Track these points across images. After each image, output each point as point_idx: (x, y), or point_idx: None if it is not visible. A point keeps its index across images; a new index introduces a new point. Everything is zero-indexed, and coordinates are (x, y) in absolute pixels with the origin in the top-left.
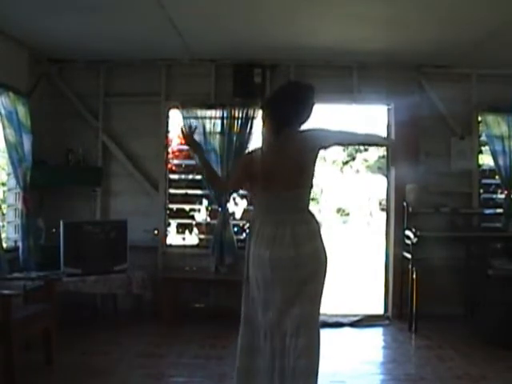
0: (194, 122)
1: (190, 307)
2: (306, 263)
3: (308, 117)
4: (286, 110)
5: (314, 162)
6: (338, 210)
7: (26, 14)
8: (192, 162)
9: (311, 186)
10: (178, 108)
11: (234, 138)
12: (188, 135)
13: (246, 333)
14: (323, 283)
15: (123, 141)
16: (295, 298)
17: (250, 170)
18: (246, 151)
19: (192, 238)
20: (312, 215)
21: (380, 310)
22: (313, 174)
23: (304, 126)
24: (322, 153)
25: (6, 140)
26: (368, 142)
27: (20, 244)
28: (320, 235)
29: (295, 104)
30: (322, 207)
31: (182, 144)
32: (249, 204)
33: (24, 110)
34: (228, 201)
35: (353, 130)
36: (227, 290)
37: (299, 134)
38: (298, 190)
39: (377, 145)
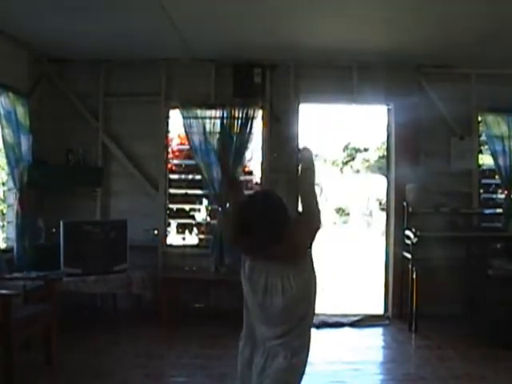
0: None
1: (190, 307)
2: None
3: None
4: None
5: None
6: (338, 210)
7: (26, 13)
8: (192, 162)
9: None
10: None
11: (234, 138)
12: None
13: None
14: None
15: (123, 141)
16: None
17: None
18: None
19: (192, 238)
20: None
21: (380, 310)
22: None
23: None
24: (323, 156)
25: (4, 140)
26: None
27: (15, 244)
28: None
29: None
30: (322, 207)
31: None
32: None
33: (23, 111)
34: (228, 201)
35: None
36: (227, 289)
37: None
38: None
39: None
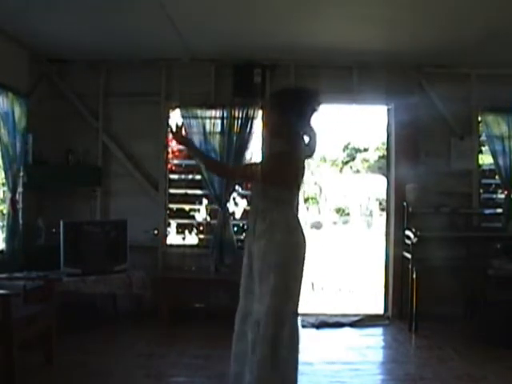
0: (179, 122)
1: (189, 307)
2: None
3: (308, 122)
4: (293, 117)
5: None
6: (338, 210)
7: (26, 14)
8: (192, 162)
9: None
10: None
11: (234, 138)
12: (176, 133)
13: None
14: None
15: (123, 141)
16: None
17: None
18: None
19: (192, 238)
20: None
21: (380, 310)
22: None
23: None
24: (321, 154)
25: (0, 141)
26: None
27: (5, 246)
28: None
29: (300, 111)
30: (321, 207)
31: (177, 144)
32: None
33: (21, 111)
34: (228, 201)
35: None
36: (227, 289)
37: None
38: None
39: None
